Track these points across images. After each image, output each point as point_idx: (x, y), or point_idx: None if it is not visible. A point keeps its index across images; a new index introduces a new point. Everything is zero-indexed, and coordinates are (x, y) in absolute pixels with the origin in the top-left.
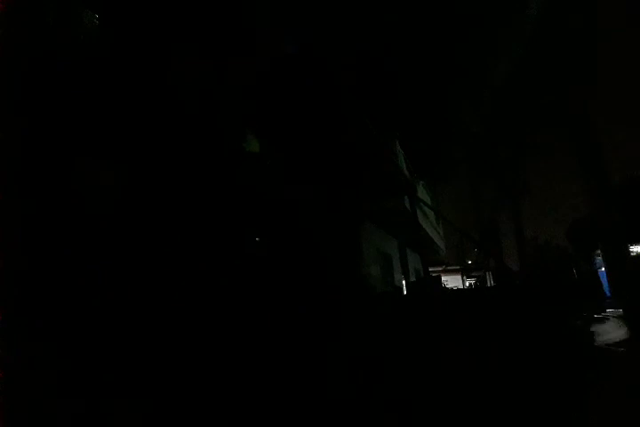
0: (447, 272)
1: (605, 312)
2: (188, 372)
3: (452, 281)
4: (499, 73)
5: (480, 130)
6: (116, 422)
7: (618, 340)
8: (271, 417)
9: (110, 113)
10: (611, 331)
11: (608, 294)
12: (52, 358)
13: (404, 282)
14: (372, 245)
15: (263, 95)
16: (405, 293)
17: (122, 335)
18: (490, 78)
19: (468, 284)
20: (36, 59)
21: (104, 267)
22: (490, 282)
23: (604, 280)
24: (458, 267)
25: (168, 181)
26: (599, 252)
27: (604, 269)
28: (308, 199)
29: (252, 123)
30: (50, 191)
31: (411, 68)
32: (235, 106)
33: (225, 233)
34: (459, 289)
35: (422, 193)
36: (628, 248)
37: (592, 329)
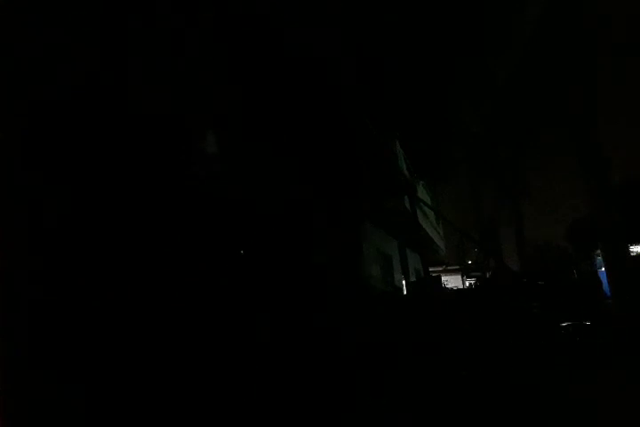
0: (447, 272)
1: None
2: (192, 372)
3: (452, 281)
4: (499, 73)
5: (480, 130)
6: (116, 422)
7: None
8: (273, 416)
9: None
10: None
11: (608, 293)
12: (53, 359)
13: (403, 282)
14: (372, 246)
15: (264, 96)
16: (405, 293)
17: (123, 336)
18: (490, 78)
19: (468, 284)
20: (35, 60)
21: (96, 272)
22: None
23: (604, 280)
24: (458, 267)
25: (162, 186)
26: (599, 252)
27: (603, 269)
28: (308, 200)
29: (254, 124)
30: (47, 193)
31: (411, 68)
32: (241, 107)
33: (226, 233)
34: (459, 289)
35: (422, 193)
36: (628, 248)
37: None
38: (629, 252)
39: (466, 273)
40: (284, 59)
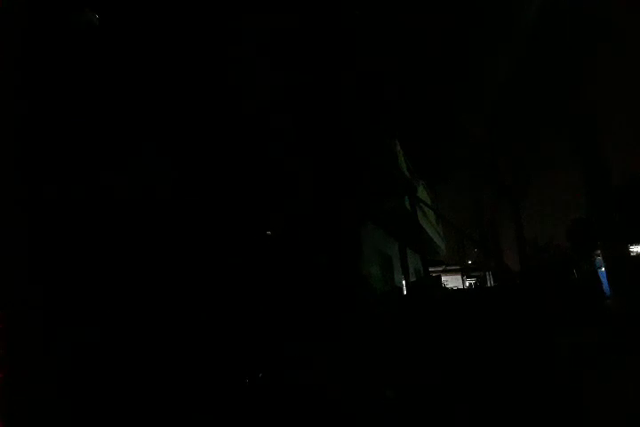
0: (447, 272)
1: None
2: (189, 370)
3: (452, 281)
4: (500, 73)
5: (481, 130)
6: (116, 422)
7: None
8: (271, 416)
9: (110, 111)
10: None
11: (608, 293)
12: (53, 358)
13: (403, 282)
14: (373, 246)
15: (264, 96)
16: (405, 293)
17: (124, 335)
18: (491, 78)
19: (468, 284)
20: (36, 56)
21: (107, 266)
22: (490, 282)
23: (604, 280)
24: (458, 267)
25: (172, 180)
26: (599, 252)
27: (603, 269)
28: (307, 199)
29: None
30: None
31: (411, 67)
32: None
33: (225, 233)
34: (459, 289)
35: (422, 193)
36: (627, 248)
37: None
38: (629, 252)
39: (466, 273)
40: (283, 58)
